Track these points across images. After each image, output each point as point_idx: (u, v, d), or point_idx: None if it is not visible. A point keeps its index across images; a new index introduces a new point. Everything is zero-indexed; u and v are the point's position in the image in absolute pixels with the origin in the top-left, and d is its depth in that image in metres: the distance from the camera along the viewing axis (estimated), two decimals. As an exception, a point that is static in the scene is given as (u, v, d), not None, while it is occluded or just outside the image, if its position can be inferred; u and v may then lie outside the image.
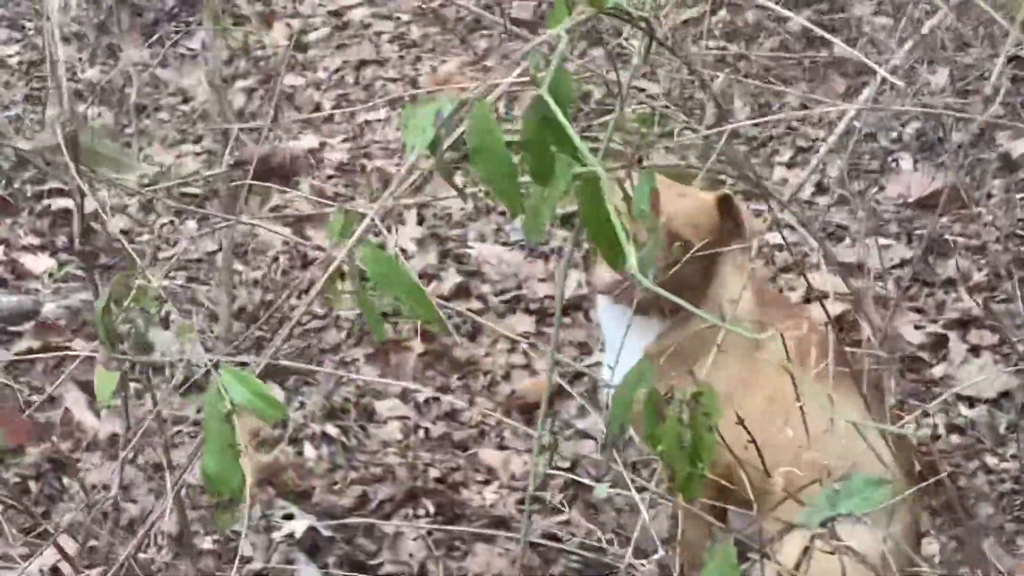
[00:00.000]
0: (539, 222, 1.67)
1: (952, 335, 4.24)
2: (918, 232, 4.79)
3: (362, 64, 6.25)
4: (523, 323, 4.59)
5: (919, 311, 4.40)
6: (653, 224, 1.64)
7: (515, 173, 1.50)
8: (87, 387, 3.94)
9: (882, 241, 4.77)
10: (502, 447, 4.13)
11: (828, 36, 3.13)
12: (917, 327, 4.24)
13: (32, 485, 3.75)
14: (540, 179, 1.57)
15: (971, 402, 4.07)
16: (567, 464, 4.05)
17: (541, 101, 1.50)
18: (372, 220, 1.62)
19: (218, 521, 2.06)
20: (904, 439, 3.45)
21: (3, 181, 4.84)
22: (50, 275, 4.48)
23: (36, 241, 4.61)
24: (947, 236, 4.72)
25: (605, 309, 3.40)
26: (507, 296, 4.74)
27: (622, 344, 2.85)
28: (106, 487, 3.71)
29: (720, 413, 2.96)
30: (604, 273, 3.24)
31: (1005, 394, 4.06)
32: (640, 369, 1.66)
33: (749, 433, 2.54)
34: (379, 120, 5.82)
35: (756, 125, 4.59)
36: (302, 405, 4.11)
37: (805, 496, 2.93)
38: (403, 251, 4.96)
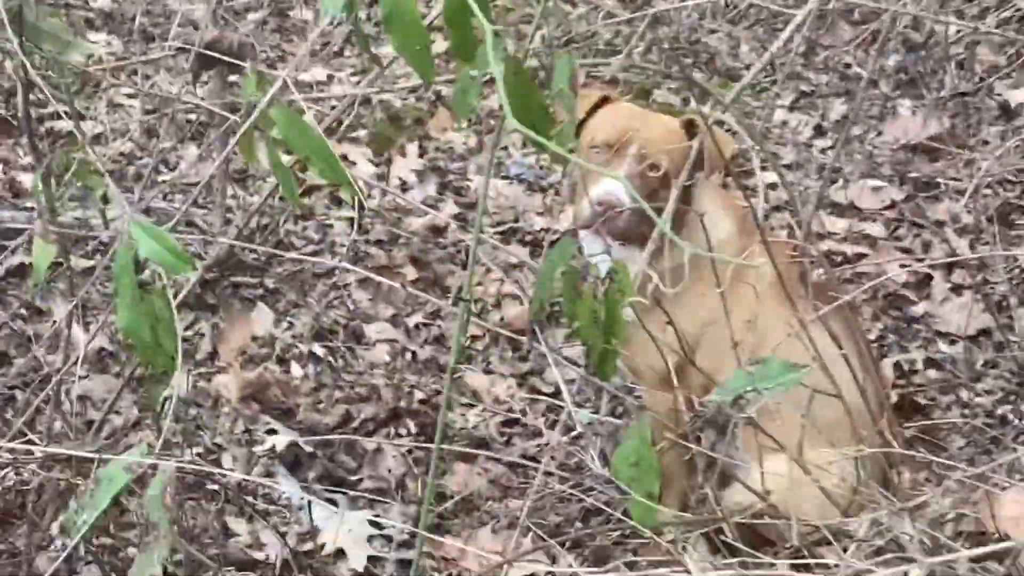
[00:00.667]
0: (467, 100, 1.72)
1: (936, 275, 4.27)
2: (911, 175, 4.82)
3: (375, 1, 6.28)
4: (517, 254, 4.63)
5: (906, 251, 4.44)
6: (570, 105, 1.69)
7: (427, 42, 1.55)
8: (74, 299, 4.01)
9: (874, 183, 4.80)
10: (488, 371, 4.20)
11: None
12: (902, 266, 4.27)
13: (18, 395, 3.81)
14: (463, 55, 1.62)
15: (951, 339, 4.11)
16: (550, 389, 4.10)
17: (459, -18, 1.54)
18: (284, 81, 1.65)
19: (149, 393, 2.10)
20: (877, 369, 3.51)
21: (4, 102, 4.91)
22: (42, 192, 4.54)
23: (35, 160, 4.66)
24: (939, 180, 4.75)
25: (588, 241, 3.43)
26: (503, 228, 4.79)
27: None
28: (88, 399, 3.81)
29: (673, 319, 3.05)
30: (584, 208, 3.28)
31: (984, 332, 4.10)
32: (563, 247, 1.71)
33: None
34: (394, 55, 5.86)
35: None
36: (291, 326, 4.17)
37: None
38: (403, 182, 5.02)
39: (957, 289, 4.27)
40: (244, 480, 3.68)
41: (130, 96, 5.36)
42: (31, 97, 4.99)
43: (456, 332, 2.38)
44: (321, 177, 1.75)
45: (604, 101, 3.39)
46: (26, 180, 4.65)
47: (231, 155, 4.35)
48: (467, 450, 3.75)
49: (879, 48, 3.90)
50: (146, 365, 1.91)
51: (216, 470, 3.22)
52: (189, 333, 4.12)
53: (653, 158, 3.29)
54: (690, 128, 3.33)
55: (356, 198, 4.75)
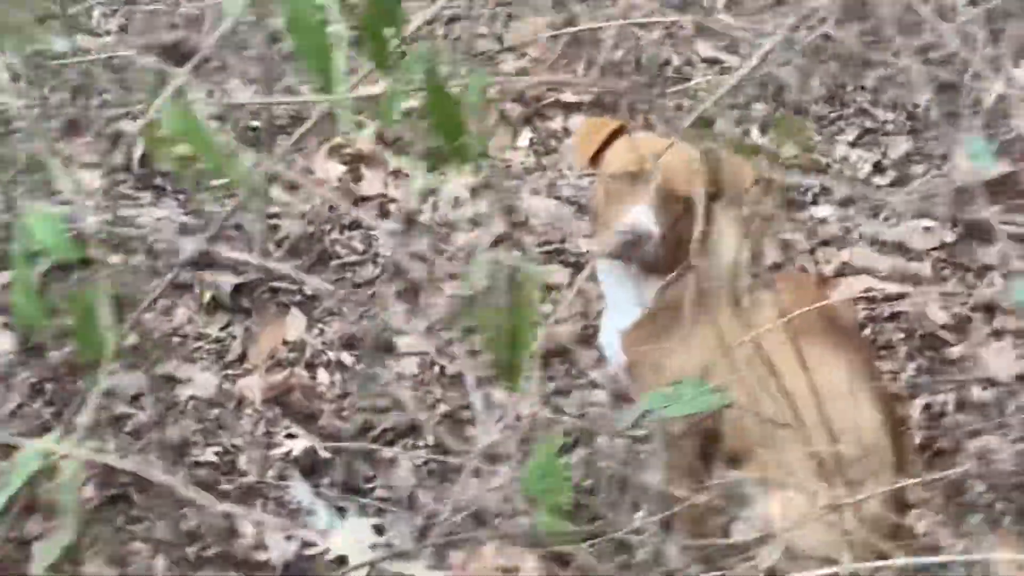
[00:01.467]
0: (391, 109, 1.73)
1: (977, 317, 4.21)
2: (966, 217, 4.74)
3: (455, 19, 6.33)
4: (558, 275, 4.63)
5: (949, 293, 4.37)
6: (484, 116, 1.70)
7: (327, 47, 1.56)
8: (116, 298, 4.08)
9: (927, 223, 4.74)
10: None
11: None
12: (943, 307, 4.21)
13: (47, 387, 3.89)
14: (378, 64, 1.63)
15: (987, 384, 4.05)
16: (573, 411, 4.10)
17: (372, -14, 1.56)
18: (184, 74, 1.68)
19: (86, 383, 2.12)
20: (897, 412, 3.47)
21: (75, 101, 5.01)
22: (105, 191, 4.63)
23: (95, 159, 4.76)
24: (994, 223, 4.66)
25: (606, 270, 3.45)
26: (548, 248, 4.79)
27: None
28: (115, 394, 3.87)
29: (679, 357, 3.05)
30: (606, 236, 3.30)
31: (1021, 378, 4.03)
32: (480, 261, 1.71)
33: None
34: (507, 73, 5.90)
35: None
36: (322, 332, 4.21)
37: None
38: (456, 198, 5.04)
39: (997, 334, 4.20)
40: (258, 483, 3.74)
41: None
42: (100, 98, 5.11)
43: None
44: (215, 175, 1.77)
45: (619, 131, 3.40)
46: (85, 178, 4.75)
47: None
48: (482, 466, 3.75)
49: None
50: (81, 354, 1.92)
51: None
52: (222, 335, 4.18)
53: (675, 187, 3.30)
54: (708, 158, 3.33)
55: (405, 212, 4.80)
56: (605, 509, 3.54)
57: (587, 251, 4.75)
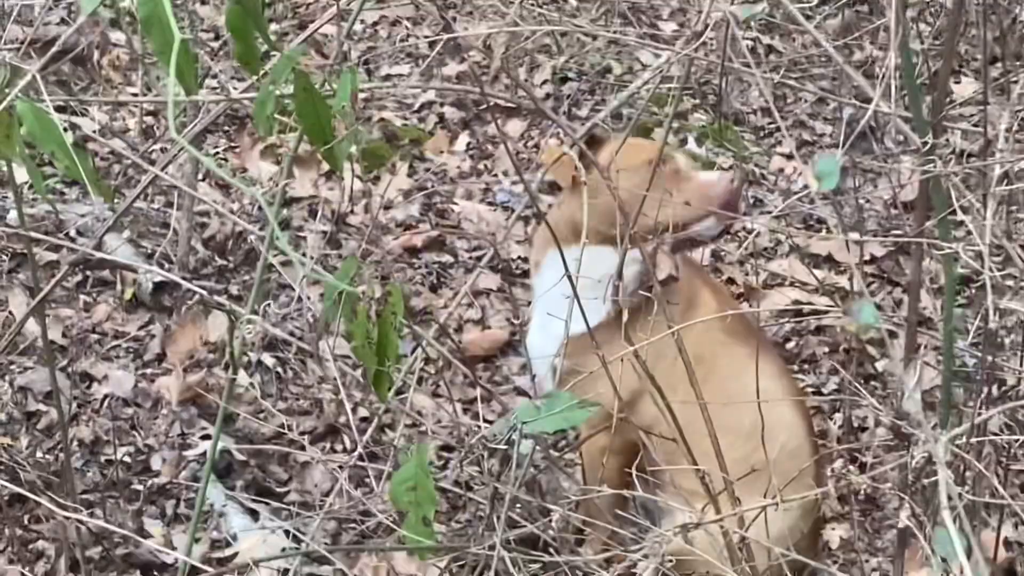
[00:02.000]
0: (264, 113, 1.71)
1: (901, 332, 4.20)
2: (896, 233, 4.75)
3: (397, 22, 6.31)
4: (488, 280, 4.62)
5: (877, 307, 4.36)
6: (352, 120, 1.69)
7: (181, 44, 1.54)
8: (35, 293, 4.04)
9: (857, 237, 4.74)
10: (436, 395, 4.18)
11: (817, 37, 3.09)
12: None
13: (-39, 384, 3.86)
14: (247, 66, 1.62)
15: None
16: (494, 417, 4.07)
17: (235, -12, 1.54)
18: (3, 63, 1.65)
19: None
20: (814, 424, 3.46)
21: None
22: (30, 186, 4.59)
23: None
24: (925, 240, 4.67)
25: (547, 266, 3.35)
26: (479, 253, 4.78)
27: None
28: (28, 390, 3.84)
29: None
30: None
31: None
32: (347, 264, 1.70)
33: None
34: (401, 75, 5.88)
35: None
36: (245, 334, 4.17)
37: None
38: (388, 201, 5.03)
39: (919, 349, 4.19)
40: (169, 483, 3.71)
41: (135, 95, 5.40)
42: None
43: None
44: (67, 175, 1.75)
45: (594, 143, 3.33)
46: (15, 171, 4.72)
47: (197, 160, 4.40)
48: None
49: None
50: None
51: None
52: (141, 333, 4.14)
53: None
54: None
55: (335, 213, 4.78)
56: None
57: (520, 257, 4.73)
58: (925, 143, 1.98)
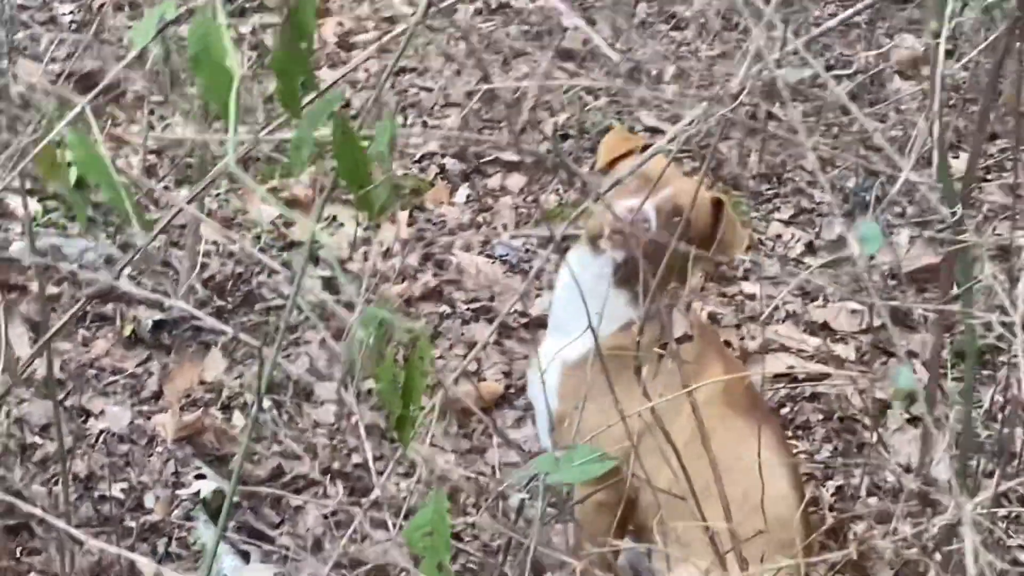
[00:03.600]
0: (300, 155, 1.72)
1: (896, 403, 4.23)
2: (893, 303, 4.77)
3: (401, 71, 6.34)
4: (484, 333, 4.62)
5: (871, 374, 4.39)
6: (389, 166, 1.70)
7: (231, 83, 1.54)
8: (35, 326, 4.04)
9: (855, 306, 4.77)
10: (431, 444, 4.17)
11: (854, 108, 3.10)
12: (862, 391, 4.22)
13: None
14: (290, 108, 1.63)
15: (901, 469, 4.05)
16: (488, 470, 4.07)
17: (286, 30, 1.55)
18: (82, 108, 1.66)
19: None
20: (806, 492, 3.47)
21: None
22: (33, 219, 4.59)
23: (28, 185, 4.72)
24: (920, 312, 4.70)
25: (569, 280, 3.25)
26: (476, 305, 4.78)
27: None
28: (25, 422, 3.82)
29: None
30: (606, 216, 3.17)
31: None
32: (374, 311, 1.70)
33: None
34: (402, 125, 5.90)
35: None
36: (242, 374, 4.18)
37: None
38: (387, 250, 5.04)
39: (913, 420, 4.21)
40: (161, 522, 3.70)
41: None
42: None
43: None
44: (111, 204, 1.75)
45: (644, 147, 3.38)
46: (14, 203, 4.71)
47: (203, 200, 4.42)
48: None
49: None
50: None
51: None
52: (139, 370, 4.14)
53: (682, 208, 3.19)
54: (714, 207, 3.32)
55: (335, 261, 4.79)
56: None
57: (517, 312, 4.74)
58: (954, 214, 2.00)
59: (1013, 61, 2.46)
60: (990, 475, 2.89)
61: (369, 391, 4.30)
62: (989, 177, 5.56)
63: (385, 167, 1.70)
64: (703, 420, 2.91)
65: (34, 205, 4.67)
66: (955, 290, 3.26)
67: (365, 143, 1.71)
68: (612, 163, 3.44)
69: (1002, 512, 2.34)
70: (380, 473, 3.93)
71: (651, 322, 3.06)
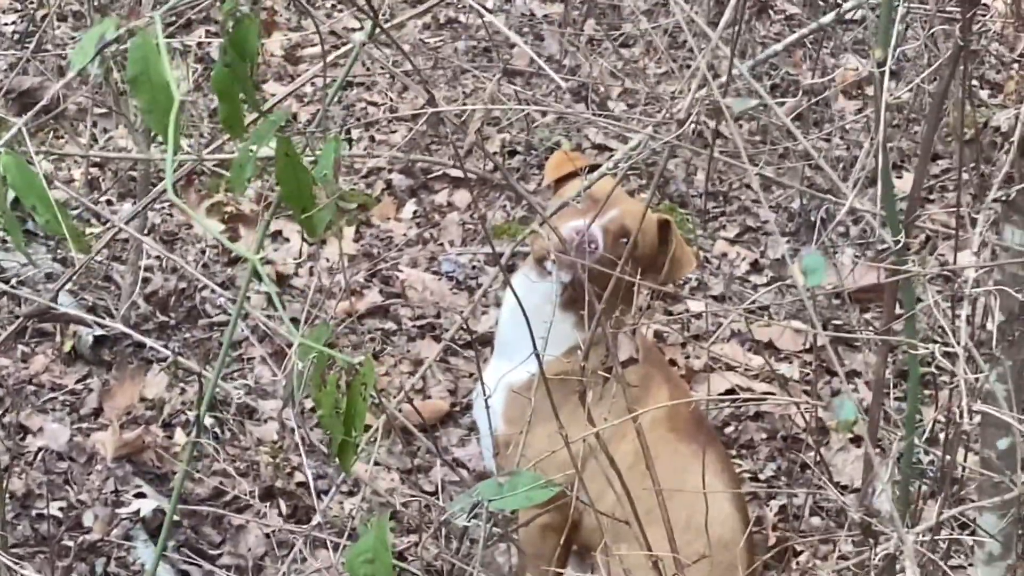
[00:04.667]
0: (242, 176, 1.70)
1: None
2: (835, 322, 4.79)
3: (349, 85, 6.31)
4: (431, 349, 4.60)
5: (814, 395, 4.39)
6: (334, 189, 1.68)
7: (172, 105, 1.53)
8: (-27, 340, 3.99)
9: (798, 325, 4.78)
10: (375, 463, 4.14)
11: (798, 135, 3.09)
12: (805, 410, 4.22)
13: None
14: (231, 129, 1.61)
15: (844, 489, 4.06)
16: (432, 488, 4.05)
17: (227, 51, 1.53)
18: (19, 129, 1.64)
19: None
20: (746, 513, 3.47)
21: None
22: (-30, 234, 4.55)
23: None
24: (862, 331, 4.71)
25: (515, 304, 3.21)
26: (422, 322, 4.77)
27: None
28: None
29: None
30: (551, 238, 3.11)
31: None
32: (318, 330, 1.69)
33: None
34: (351, 140, 5.88)
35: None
36: (183, 391, 4.14)
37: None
38: (332, 266, 5.01)
39: (856, 440, 4.23)
40: (100, 541, 3.65)
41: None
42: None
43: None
44: (48, 229, 1.73)
45: (592, 168, 3.38)
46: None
47: (147, 214, 4.38)
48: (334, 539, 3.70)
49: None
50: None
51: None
52: (79, 387, 4.10)
53: (628, 229, 3.20)
54: (661, 228, 3.31)
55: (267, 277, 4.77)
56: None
57: (463, 328, 4.72)
58: (897, 242, 2.00)
59: (955, 87, 2.47)
60: (932, 496, 2.89)
61: (312, 409, 4.28)
62: (931, 197, 5.59)
63: (330, 190, 1.68)
64: (647, 444, 2.90)
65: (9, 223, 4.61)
66: (899, 311, 3.29)
67: (309, 165, 1.69)
68: (557, 183, 3.43)
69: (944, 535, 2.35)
70: (322, 493, 3.92)
71: (596, 345, 3.05)
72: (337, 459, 1.76)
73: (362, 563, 1.74)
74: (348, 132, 5.66)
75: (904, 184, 5.82)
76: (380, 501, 3.95)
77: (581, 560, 3.49)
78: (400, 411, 4.34)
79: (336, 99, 6.20)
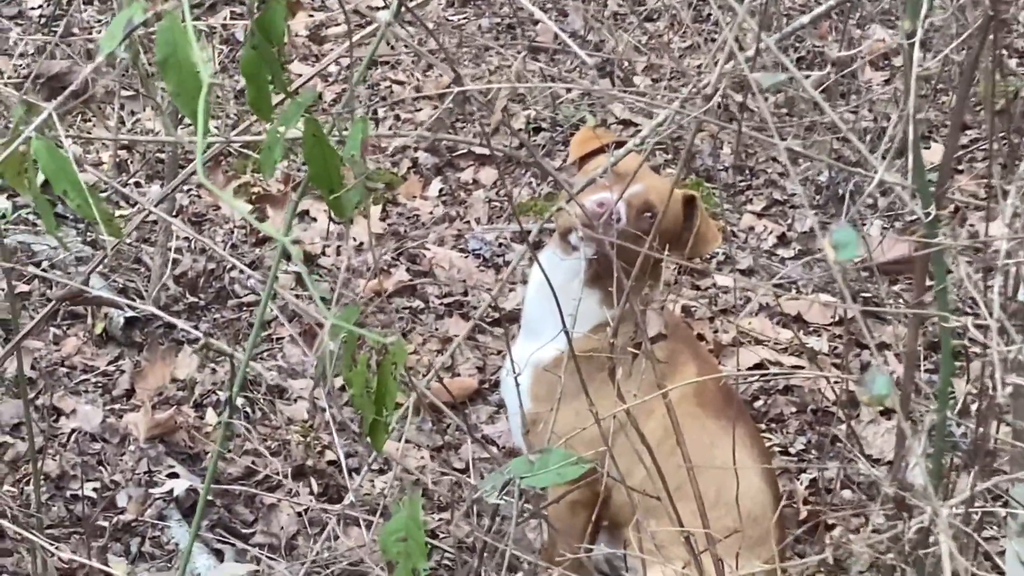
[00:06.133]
0: (271, 158, 1.70)
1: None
2: (864, 295, 4.78)
3: (374, 64, 6.31)
4: (458, 327, 4.61)
5: (844, 369, 4.38)
6: (362, 169, 1.68)
7: (200, 87, 1.53)
8: (4, 324, 4.01)
9: (827, 298, 4.77)
10: (406, 441, 4.16)
11: (827, 108, 3.08)
12: (836, 382, 4.21)
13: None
14: (260, 111, 1.61)
15: (875, 462, 4.06)
16: (463, 466, 4.06)
17: (254, 33, 1.54)
18: (49, 113, 1.64)
19: None
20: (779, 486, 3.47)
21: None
22: (2, 216, 4.57)
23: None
24: (892, 304, 4.70)
25: (540, 280, 3.15)
26: (450, 300, 4.77)
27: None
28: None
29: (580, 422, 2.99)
30: (577, 210, 3.09)
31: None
32: (348, 311, 1.69)
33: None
34: (376, 119, 5.89)
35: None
36: (214, 372, 4.16)
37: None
38: (360, 244, 5.01)
39: (886, 413, 4.22)
40: (135, 521, 3.67)
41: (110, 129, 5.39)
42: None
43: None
44: (79, 213, 1.73)
45: (619, 144, 3.36)
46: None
47: (175, 196, 4.39)
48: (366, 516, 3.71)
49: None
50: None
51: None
52: (110, 368, 4.12)
53: (653, 204, 3.21)
54: (687, 204, 3.31)
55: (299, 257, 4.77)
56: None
57: (491, 305, 4.72)
58: (928, 214, 1.99)
59: (985, 57, 2.46)
60: (965, 469, 2.89)
61: (342, 388, 4.30)
62: (961, 168, 5.56)
63: (357, 170, 1.68)
64: (677, 420, 2.89)
65: (3, 202, 4.64)
66: (930, 284, 3.27)
67: (336, 146, 1.69)
68: (582, 160, 3.43)
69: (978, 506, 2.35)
70: (353, 471, 3.93)
71: (624, 322, 3.05)
72: (368, 438, 1.76)
73: (395, 541, 1.74)
74: (375, 112, 5.67)
75: (932, 155, 5.80)
76: (411, 479, 3.97)
77: (611, 536, 3.50)
78: (429, 389, 4.36)
79: (362, 78, 6.23)
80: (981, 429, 2.12)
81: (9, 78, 4.98)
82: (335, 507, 3.20)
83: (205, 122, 1.49)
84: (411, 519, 1.71)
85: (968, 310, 4.45)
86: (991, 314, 1.65)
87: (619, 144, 3.46)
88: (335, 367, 1.78)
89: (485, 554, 2.44)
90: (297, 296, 4.57)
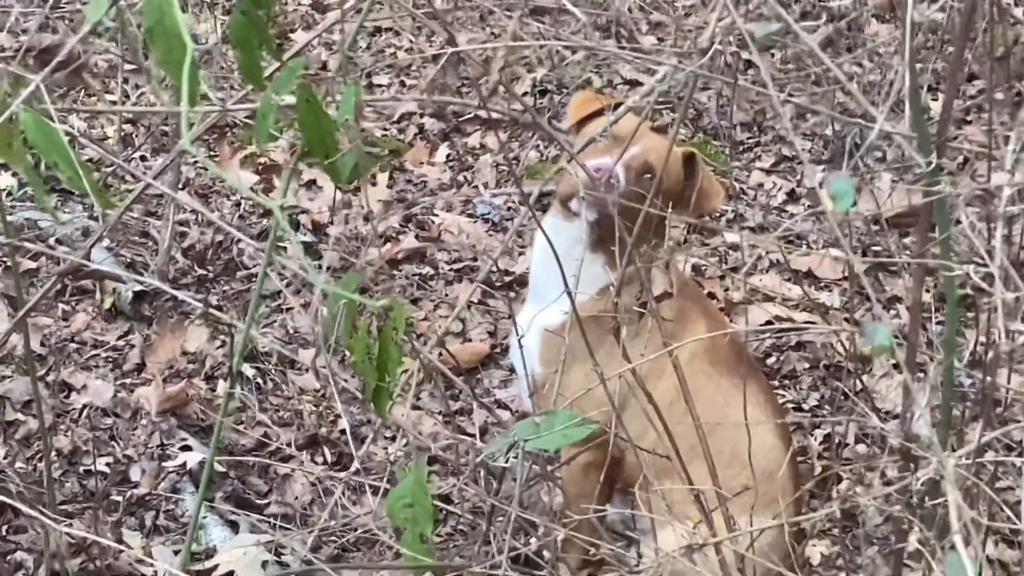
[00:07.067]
0: (265, 125, 1.69)
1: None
2: (874, 248, 4.76)
3: (377, 31, 6.29)
4: (468, 293, 4.60)
5: (854, 322, 4.37)
6: (356, 134, 1.67)
7: (186, 55, 1.51)
8: (12, 301, 4.01)
9: (837, 253, 4.75)
10: (416, 407, 4.15)
11: (826, 59, 3.05)
12: (846, 338, 4.20)
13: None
14: (251, 78, 1.60)
15: (887, 415, 4.05)
16: (475, 431, 4.05)
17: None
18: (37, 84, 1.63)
19: None
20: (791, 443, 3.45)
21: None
22: (8, 193, 4.56)
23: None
24: (903, 256, 4.67)
25: (545, 244, 3.20)
26: (459, 265, 4.76)
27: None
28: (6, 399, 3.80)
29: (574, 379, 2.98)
30: (577, 175, 3.07)
31: (920, 412, 4.02)
32: (349, 278, 1.68)
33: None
34: (381, 85, 5.87)
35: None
36: (224, 344, 4.15)
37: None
38: (368, 212, 5.00)
39: (899, 366, 4.20)
40: (149, 495, 3.68)
41: (114, 103, 5.37)
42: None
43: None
44: (70, 186, 1.72)
45: (616, 106, 3.33)
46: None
47: (180, 168, 4.38)
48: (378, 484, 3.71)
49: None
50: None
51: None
52: (120, 343, 4.11)
53: (652, 165, 3.19)
54: (687, 161, 3.28)
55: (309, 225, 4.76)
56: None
57: (500, 270, 4.72)
58: (929, 163, 1.97)
59: (984, 4, 2.43)
60: (975, 419, 2.87)
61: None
62: (969, 119, 5.53)
63: (351, 135, 1.67)
64: (686, 379, 2.88)
65: (8, 179, 4.63)
66: (934, 235, 3.25)
67: (332, 111, 1.68)
68: (580, 123, 3.40)
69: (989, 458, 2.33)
70: (363, 440, 3.93)
71: (629, 283, 3.04)
72: (372, 405, 1.75)
73: (402, 507, 1.74)
74: (369, 76, 5.64)
75: (938, 106, 5.78)
76: (419, 445, 3.96)
77: (624, 497, 3.49)
78: (441, 354, 4.35)
79: (365, 45, 6.20)
80: (989, 378, 2.10)
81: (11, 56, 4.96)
82: (343, 475, 3.18)
83: (193, 90, 1.48)
84: (417, 484, 1.71)
85: (979, 260, 4.42)
86: (995, 262, 1.64)
87: (618, 105, 3.44)
88: (336, 334, 1.77)
89: (494, 518, 2.44)
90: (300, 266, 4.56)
